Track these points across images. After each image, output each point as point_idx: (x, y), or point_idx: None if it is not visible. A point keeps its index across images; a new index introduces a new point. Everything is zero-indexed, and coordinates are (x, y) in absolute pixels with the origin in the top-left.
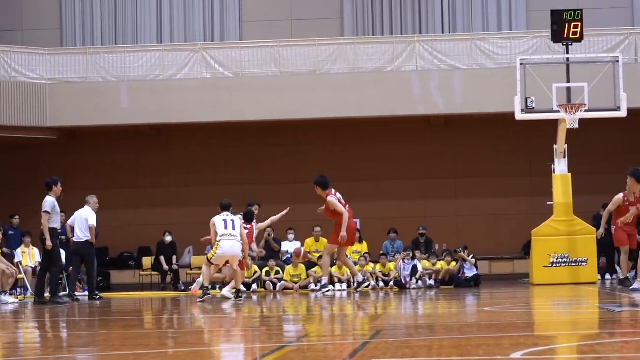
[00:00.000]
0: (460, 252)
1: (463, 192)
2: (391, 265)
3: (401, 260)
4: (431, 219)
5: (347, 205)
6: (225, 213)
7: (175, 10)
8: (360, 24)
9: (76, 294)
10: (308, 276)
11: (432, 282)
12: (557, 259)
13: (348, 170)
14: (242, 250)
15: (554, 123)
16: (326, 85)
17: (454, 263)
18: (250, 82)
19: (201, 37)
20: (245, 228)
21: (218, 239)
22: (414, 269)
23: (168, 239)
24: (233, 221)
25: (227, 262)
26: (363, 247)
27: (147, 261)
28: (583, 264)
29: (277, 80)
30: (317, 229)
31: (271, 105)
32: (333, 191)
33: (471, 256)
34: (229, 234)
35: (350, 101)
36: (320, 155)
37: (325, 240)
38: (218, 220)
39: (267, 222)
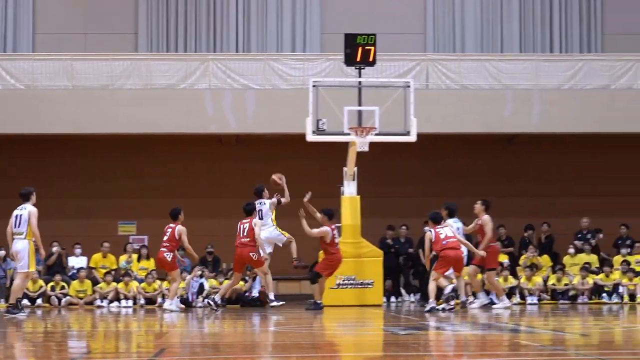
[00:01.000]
0: (253, 270)
1: None
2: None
3: (191, 279)
4: (221, 237)
5: None
6: (21, 206)
7: None
8: (154, 40)
9: None
10: (94, 292)
11: (219, 301)
12: (343, 281)
13: (142, 186)
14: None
15: (346, 145)
16: (119, 100)
17: (241, 282)
18: (43, 95)
19: None
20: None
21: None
22: (201, 287)
23: None
24: (21, 216)
25: None
26: (150, 264)
27: None
28: (369, 286)
29: (69, 94)
30: (106, 244)
31: (64, 119)
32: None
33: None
34: (16, 232)
35: (144, 117)
36: (115, 170)
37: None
38: (12, 217)
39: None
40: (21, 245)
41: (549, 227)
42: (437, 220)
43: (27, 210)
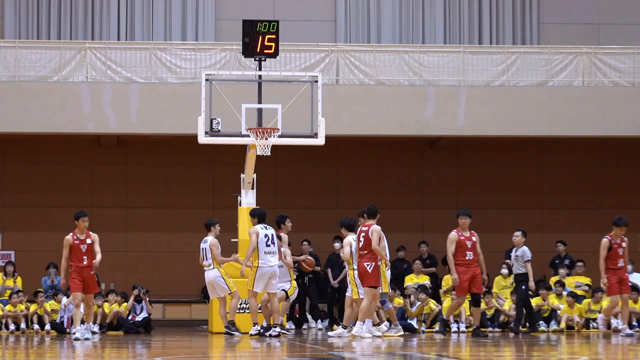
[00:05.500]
0: (141, 292)
1: (134, 224)
2: (53, 304)
3: (69, 302)
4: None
5: None
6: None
7: None
8: (23, 26)
9: None
10: None
11: (95, 327)
12: (242, 305)
13: (7, 194)
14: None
15: (244, 149)
16: None
17: (124, 304)
18: None
19: None
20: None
21: None
22: None
23: None
24: (205, 249)
25: None
26: (18, 282)
27: None
28: None
29: None
30: None
31: None
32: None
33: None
34: (206, 264)
35: (9, 114)
36: None
37: None
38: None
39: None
40: (213, 275)
41: None
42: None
43: (207, 243)
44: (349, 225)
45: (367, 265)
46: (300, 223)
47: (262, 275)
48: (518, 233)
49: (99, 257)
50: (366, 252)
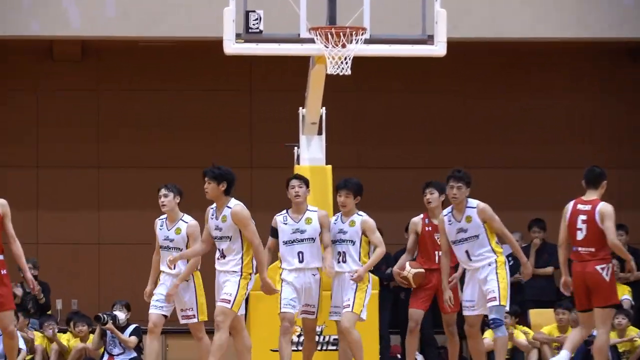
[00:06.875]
0: (106, 319)
1: (112, 195)
2: None
3: None
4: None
5: None
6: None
7: None
8: None
9: None
10: None
11: None
12: (298, 336)
13: None
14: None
15: (306, 63)
16: None
17: (92, 337)
18: None
19: None
20: None
21: None
22: None
23: None
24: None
25: None
26: None
27: None
28: None
29: None
30: None
31: None
32: None
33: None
34: None
35: None
36: None
37: None
38: None
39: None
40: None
41: None
42: None
43: None
44: (359, 187)
45: (602, 269)
46: (401, 194)
47: None
48: None
49: (17, 246)
50: (593, 249)
